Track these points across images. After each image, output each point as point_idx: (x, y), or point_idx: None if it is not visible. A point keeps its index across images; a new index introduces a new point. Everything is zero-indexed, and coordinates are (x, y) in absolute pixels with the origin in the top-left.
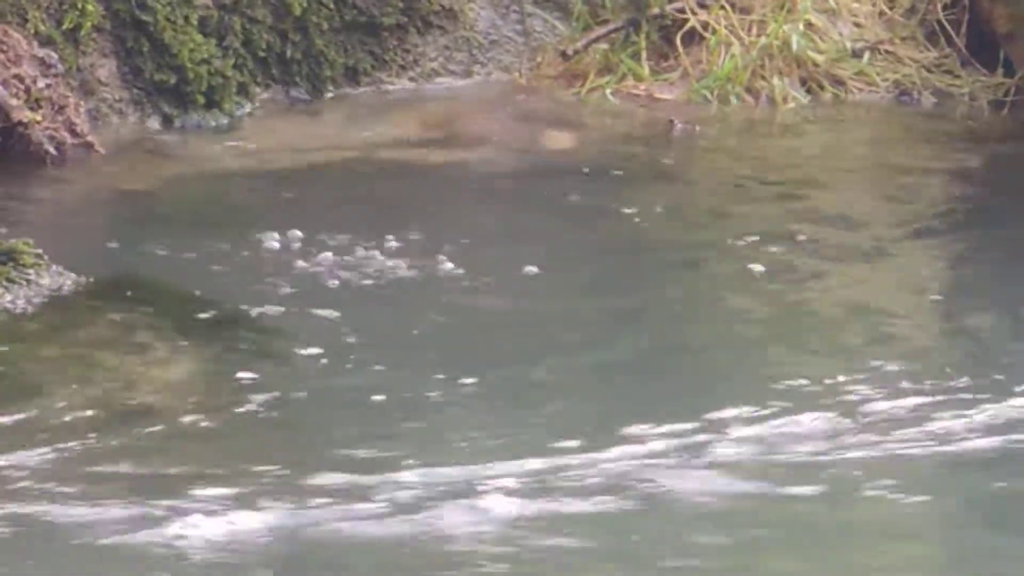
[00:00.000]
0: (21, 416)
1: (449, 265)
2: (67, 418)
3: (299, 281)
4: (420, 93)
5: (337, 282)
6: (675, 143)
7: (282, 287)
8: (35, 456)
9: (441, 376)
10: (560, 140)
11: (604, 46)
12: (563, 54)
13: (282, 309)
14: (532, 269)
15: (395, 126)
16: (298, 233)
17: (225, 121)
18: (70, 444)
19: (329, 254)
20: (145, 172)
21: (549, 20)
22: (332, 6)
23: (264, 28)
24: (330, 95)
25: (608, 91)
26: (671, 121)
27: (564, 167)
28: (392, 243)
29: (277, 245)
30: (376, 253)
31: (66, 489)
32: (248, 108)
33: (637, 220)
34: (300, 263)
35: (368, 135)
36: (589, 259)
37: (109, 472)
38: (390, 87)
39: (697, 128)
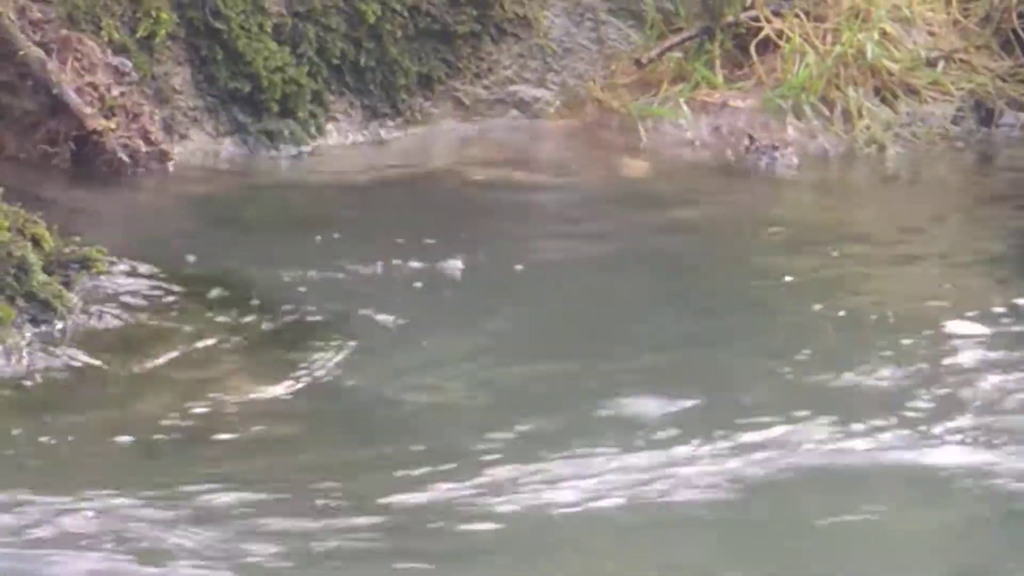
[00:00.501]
0: (99, 424)
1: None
2: (146, 428)
3: (374, 291)
4: (493, 103)
5: (413, 292)
6: (753, 173)
7: (358, 298)
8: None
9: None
10: (636, 168)
11: (678, 54)
12: (637, 62)
13: (360, 317)
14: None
15: (469, 145)
16: (373, 245)
17: (299, 129)
18: (149, 457)
19: (408, 264)
20: (220, 182)
21: (623, 28)
22: (406, 14)
23: (338, 36)
24: (405, 105)
25: (682, 99)
26: (750, 146)
27: (638, 197)
28: (460, 260)
29: (356, 257)
30: (447, 267)
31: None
32: (322, 117)
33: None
34: (377, 274)
35: (443, 152)
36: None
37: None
38: (463, 95)
39: (777, 154)
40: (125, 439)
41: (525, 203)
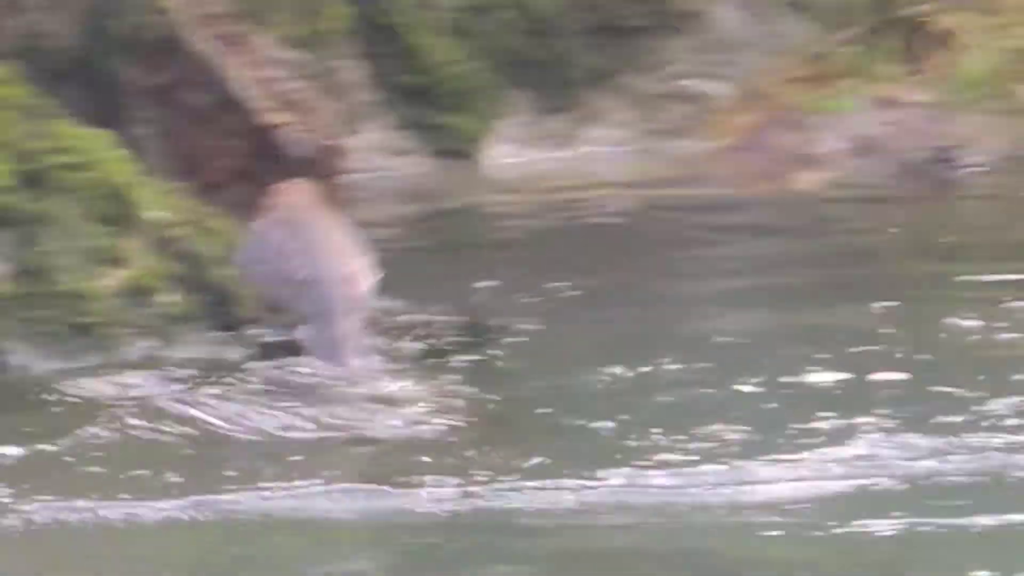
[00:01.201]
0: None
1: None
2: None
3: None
4: (666, 97)
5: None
6: (931, 177)
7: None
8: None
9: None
10: (808, 181)
11: (852, 49)
12: (811, 57)
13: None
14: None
15: (644, 158)
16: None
17: (472, 123)
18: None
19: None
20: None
21: (797, 23)
22: (579, 9)
23: (513, 31)
24: (578, 100)
25: (856, 94)
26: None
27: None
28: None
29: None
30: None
31: None
32: (495, 111)
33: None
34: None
35: (619, 167)
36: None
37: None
38: (636, 90)
39: (954, 154)
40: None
41: (692, 224)
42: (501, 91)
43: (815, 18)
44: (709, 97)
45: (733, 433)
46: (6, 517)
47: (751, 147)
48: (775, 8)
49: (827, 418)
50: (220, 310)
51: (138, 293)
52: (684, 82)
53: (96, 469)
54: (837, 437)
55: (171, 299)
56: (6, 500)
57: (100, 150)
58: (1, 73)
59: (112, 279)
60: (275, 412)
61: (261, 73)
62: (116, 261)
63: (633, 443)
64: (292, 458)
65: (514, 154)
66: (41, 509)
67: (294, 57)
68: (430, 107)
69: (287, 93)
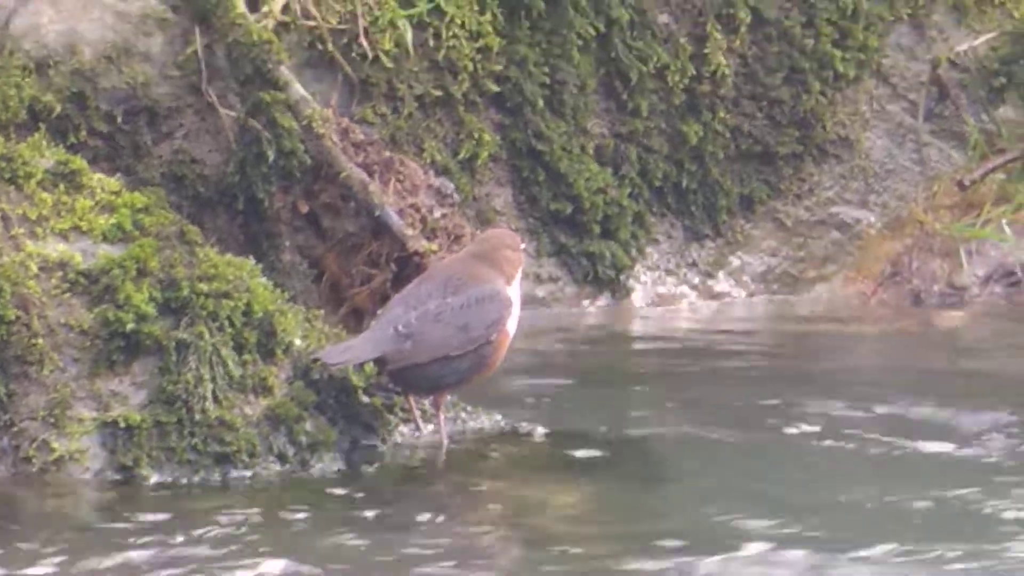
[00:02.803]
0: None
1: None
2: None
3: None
4: (814, 224)
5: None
6: None
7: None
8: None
9: None
10: (951, 320)
11: (1001, 176)
12: (959, 184)
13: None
14: None
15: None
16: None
17: (620, 251)
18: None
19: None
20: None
21: (945, 150)
22: (728, 135)
23: (660, 157)
24: (726, 226)
25: (1004, 221)
26: None
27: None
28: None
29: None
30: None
31: None
32: (643, 238)
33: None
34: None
35: (765, 308)
36: None
37: None
38: (785, 216)
39: None
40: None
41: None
42: (649, 219)
43: (964, 145)
44: (858, 224)
45: None
46: None
47: (900, 276)
48: (924, 135)
49: None
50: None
51: (280, 421)
52: (833, 209)
53: None
54: None
55: (315, 427)
56: None
57: (245, 277)
58: (148, 199)
59: (254, 407)
60: None
61: (411, 200)
62: (258, 389)
63: None
64: None
65: (660, 282)
66: None
67: (443, 184)
68: (578, 234)
69: (436, 220)
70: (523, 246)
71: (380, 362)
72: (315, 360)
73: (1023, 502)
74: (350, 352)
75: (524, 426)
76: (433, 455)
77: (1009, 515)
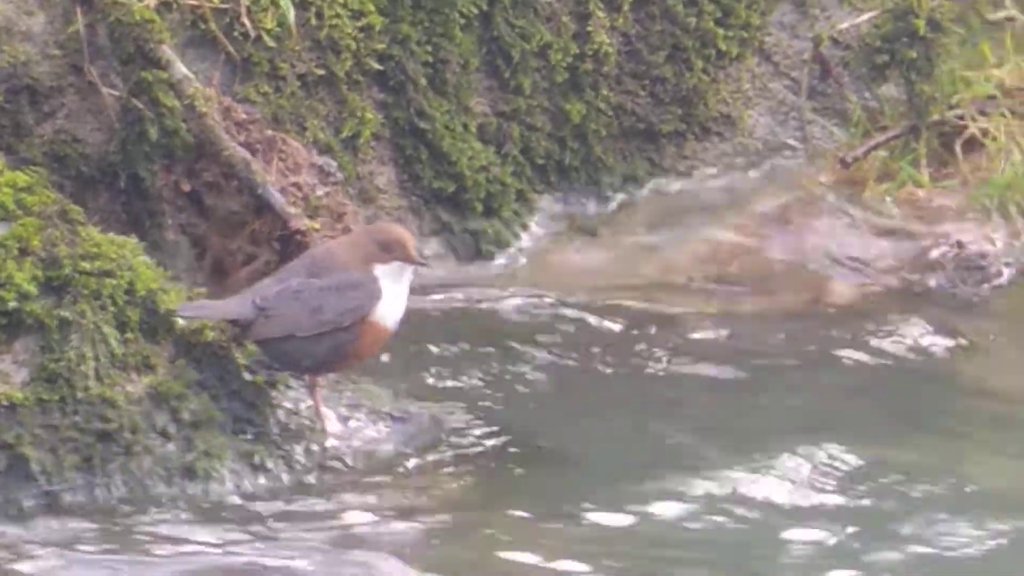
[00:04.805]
0: None
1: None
2: None
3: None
4: (697, 203)
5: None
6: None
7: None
8: None
9: None
10: (842, 294)
11: (883, 153)
12: (842, 161)
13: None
14: None
15: (668, 260)
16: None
17: (503, 228)
18: None
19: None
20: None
21: (828, 127)
22: (611, 113)
23: (542, 135)
24: (611, 206)
25: (888, 198)
26: (959, 252)
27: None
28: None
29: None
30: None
31: None
32: (526, 216)
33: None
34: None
35: (641, 270)
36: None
37: None
38: (668, 194)
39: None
40: None
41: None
42: (532, 196)
43: (846, 123)
44: (741, 200)
45: None
46: None
47: (782, 251)
48: (806, 113)
49: None
50: (248, 415)
51: (162, 399)
52: (713, 184)
53: None
54: None
55: (198, 405)
56: None
57: (127, 256)
58: (30, 179)
59: (137, 386)
60: None
61: (293, 179)
62: (141, 368)
63: None
64: None
65: (543, 257)
66: None
67: (326, 162)
68: (461, 212)
69: (319, 199)
70: (413, 242)
71: (240, 330)
72: (169, 312)
73: None
74: (203, 310)
75: (414, 405)
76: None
77: None
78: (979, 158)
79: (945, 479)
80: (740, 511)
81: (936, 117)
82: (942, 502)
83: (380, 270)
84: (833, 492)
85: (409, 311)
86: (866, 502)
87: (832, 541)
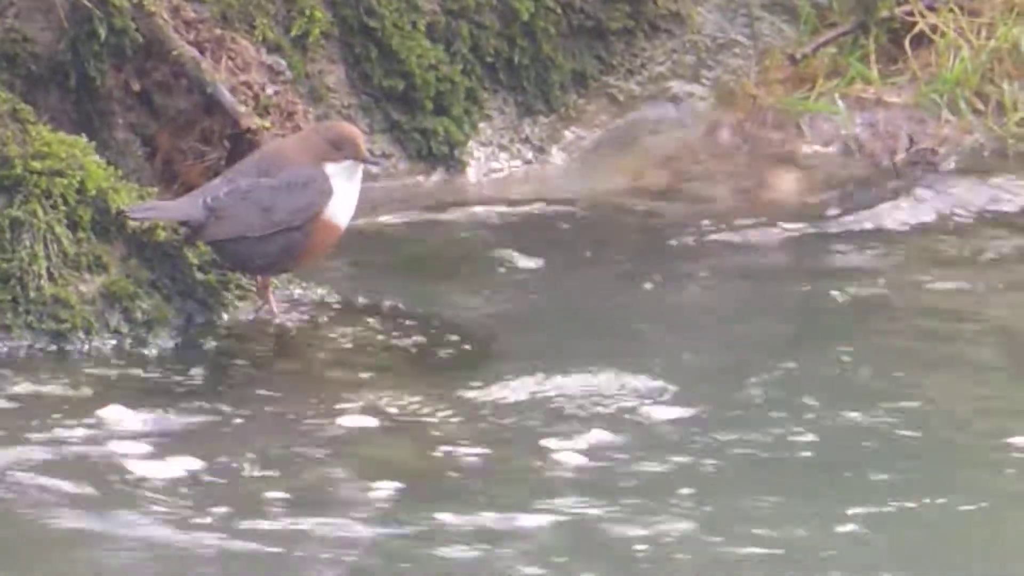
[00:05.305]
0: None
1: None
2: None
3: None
4: (647, 99)
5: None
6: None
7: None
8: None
9: None
10: (785, 182)
11: (832, 50)
12: (791, 58)
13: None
14: None
15: (619, 168)
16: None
17: (453, 126)
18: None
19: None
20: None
21: (777, 24)
22: (559, 11)
23: (492, 34)
24: (559, 102)
25: (837, 95)
26: (909, 148)
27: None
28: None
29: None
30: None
31: None
32: (476, 115)
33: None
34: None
35: (590, 182)
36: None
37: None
38: (617, 92)
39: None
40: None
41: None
42: (481, 95)
43: (796, 19)
44: (690, 98)
45: None
46: None
47: (731, 149)
48: (755, 9)
49: None
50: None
51: (115, 298)
52: (665, 84)
53: None
54: None
55: (150, 305)
56: None
57: (78, 155)
58: None
59: (90, 285)
60: None
61: (243, 77)
62: (93, 267)
63: None
64: None
65: (494, 158)
66: None
67: (275, 61)
68: (411, 110)
69: (269, 97)
70: (364, 140)
71: (192, 231)
72: (120, 213)
73: None
74: (153, 211)
75: (360, 301)
76: (268, 333)
77: None
78: (928, 54)
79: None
80: None
81: (885, 13)
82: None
83: (331, 168)
84: None
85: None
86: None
87: None
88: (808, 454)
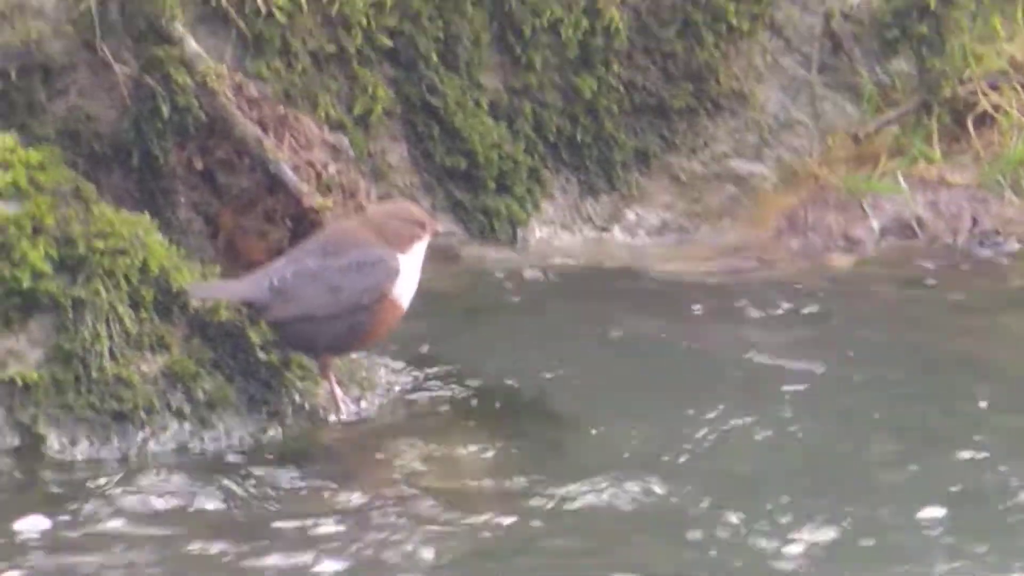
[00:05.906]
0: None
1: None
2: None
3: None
4: (709, 178)
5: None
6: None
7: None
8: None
9: None
10: (841, 261)
11: (895, 129)
12: (854, 137)
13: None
14: None
15: (681, 245)
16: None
17: (515, 205)
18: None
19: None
20: (442, 271)
21: (839, 103)
22: (622, 89)
23: (554, 112)
24: (621, 181)
25: (899, 174)
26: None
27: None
28: None
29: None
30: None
31: None
32: (538, 193)
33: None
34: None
35: (653, 252)
36: None
37: None
38: (679, 171)
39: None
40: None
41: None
42: (544, 173)
43: (858, 99)
44: (752, 178)
45: None
46: None
47: (794, 229)
48: (818, 89)
49: None
50: (262, 395)
51: (177, 378)
52: (727, 163)
53: None
54: None
55: (212, 385)
56: None
57: (140, 234)
58: (43, 156)
59: (151, 365)
60: None
61: (305, 156)
62: (155, 347)
63: None
64: None
65: (556, 236)
66: None
67: (338, 139)
68: (473, 189)
69: (331, 176)
70: (431, 222)
71: (256, 311)
72: (183, 292)
73: None
74: (216, 291)
75: (430, 381)
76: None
77: None
78: (991, 133)
79: None
80: None
81: (948, 92)
82: None
83: (397, 248)
84: None
85: None
86: None
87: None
88: None
